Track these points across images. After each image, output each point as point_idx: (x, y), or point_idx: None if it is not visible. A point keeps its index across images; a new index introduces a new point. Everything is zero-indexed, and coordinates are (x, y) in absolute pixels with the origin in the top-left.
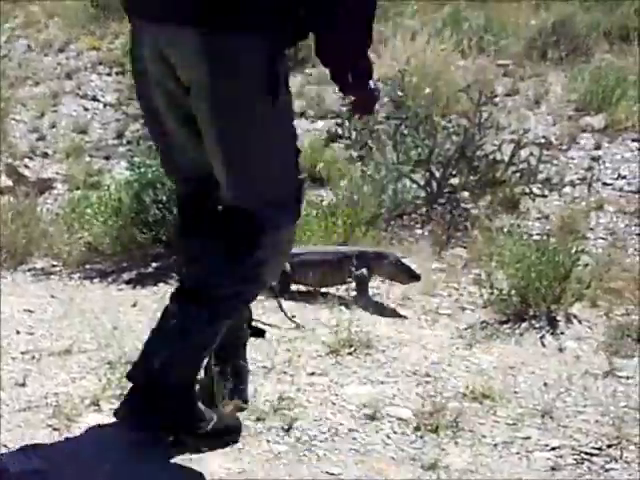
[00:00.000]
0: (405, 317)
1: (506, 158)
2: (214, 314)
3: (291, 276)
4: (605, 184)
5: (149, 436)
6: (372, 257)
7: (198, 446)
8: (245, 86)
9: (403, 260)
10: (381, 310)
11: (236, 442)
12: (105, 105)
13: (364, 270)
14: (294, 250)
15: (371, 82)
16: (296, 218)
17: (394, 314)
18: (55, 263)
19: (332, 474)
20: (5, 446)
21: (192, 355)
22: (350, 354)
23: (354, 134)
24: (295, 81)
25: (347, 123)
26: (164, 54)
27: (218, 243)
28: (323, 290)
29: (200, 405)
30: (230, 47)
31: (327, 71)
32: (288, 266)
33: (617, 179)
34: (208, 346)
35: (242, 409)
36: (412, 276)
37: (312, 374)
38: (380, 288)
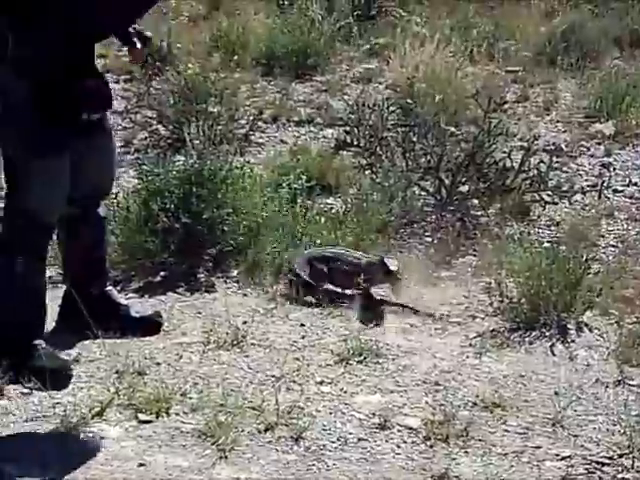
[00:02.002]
0: (415, 325)
1: (516, 165)
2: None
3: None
4: (616, 191)
5: None
6: (368, 265)
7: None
8: None
9: (386, 261)
10: (389, 319)
11: (65, 387)
12: (112, 112)
13: (365, 281)
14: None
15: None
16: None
17: (403, 322)
18: (61, 272)
19: None
20: (12, 457)
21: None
22: (359, 363)
23: (363, 142)
24: (303, 89)
25: (356, 131)
26: None
27: None
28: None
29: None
30: None
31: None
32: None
33: (628, 186)
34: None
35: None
36: (387, 274)
37: (321, 383)
38: (389, 296)
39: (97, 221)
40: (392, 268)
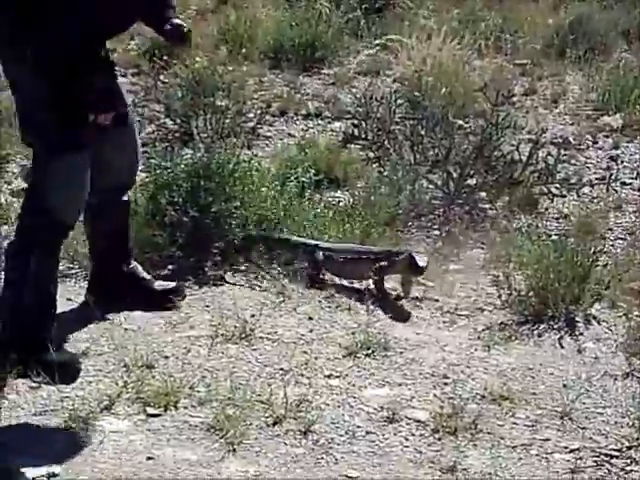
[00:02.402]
0: (423, 318)
1: (524, 158)
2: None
3: (321, 267)
4: (624, 184)
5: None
6: (386, 256)
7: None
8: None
9: (414, 255)
10: (398, 311)
11: (74, 381)
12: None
13: (380, 268)
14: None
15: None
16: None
17: (411, 315)
18: (71, 266)
19: (350, 477)
20: (21, 451)
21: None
22: (367, 356)
23: (371, 135)
24: (311, 82)
25: (364, 124)
26: None
27: None
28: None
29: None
30: None
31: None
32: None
33: (636, 179)
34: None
35: None
36: (415, 269)
37: (329, 376)
38: (398, 290)
39: (121, 206)
40: (421, 264)
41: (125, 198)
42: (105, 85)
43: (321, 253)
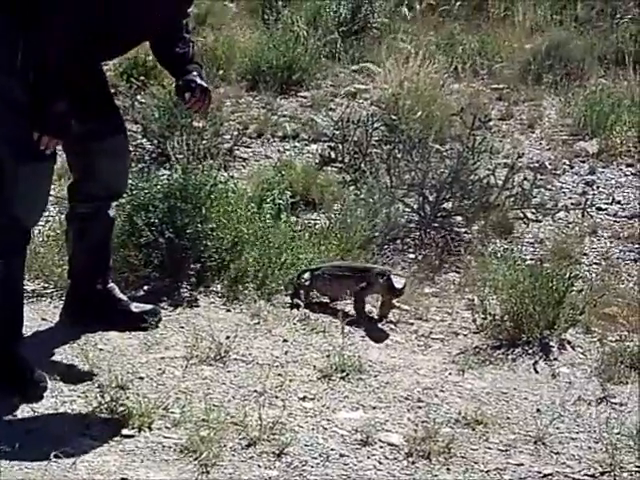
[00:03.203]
0: (397, 342)
1: (500, 182)
2: None
3: (309, 286)
4: (599, 209)
5: None
6: (373, 274)
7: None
8: None
9: (392, 277)
10: (375, 333)
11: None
12: None
13: (360, 290)
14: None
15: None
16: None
17: (386, 339)
18: (46, 285)
19: None
20: None
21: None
22: (342, 379)
23: (347, 158)
24: (288, 104)
25: (340, 147)
26: None
27: None
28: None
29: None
30: None
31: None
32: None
33: (611, 204)
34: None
35: None
36: (393, 290)
37: (304, 399)
38: (372, 313)
39: (106, 221)
40: (397, 286)
41: (112, 212)
42: (75, 98)
43: (307, 274)
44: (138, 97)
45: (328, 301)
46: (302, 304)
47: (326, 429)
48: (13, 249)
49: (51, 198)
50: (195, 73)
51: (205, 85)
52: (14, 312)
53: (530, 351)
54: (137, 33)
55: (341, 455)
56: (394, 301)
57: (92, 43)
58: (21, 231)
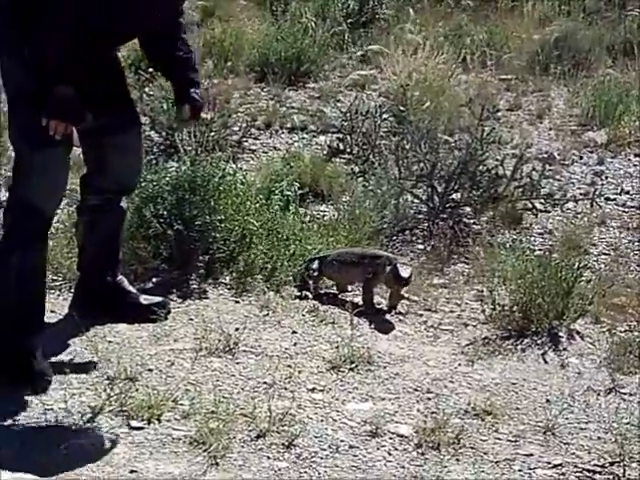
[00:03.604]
0: (406, 333)
1: (508, 173)
2: None
3: (318, 276)
4: (608, 199)
5: None
6: (382, 262)
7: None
8: None
9: (398, 266)
10: (383, 324)
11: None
12: None
13: (367, 281)
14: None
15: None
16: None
17: (392, 330)
18: (55, 278)
19: None
20: (2, 464)
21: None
22: (351, 370)
23: (356, 149)
24: (296, 96)
25: (349, 138)
26: None
27: None
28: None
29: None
30: None
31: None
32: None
33: (620, 194)
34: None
35: None
36: (399, 280)
37: (313, 390)
38: (382, 304)
39: (117, 213)
40: (404, 275)
41: (123, 205)
42: (69, 95)
43: (315, 263)
44: (146, 89)
45: (337, 292)
46: (311, 295)
47: (335, 420)
48: (29, 238)
49: None
50: (198, 92)
51: (202, 102)
52: (31, 305)
53: (539, 341)
54: (134, 27)
55: (350, 446)
56: (403, 292)
57: (92, 43)
58: (40, 220)
